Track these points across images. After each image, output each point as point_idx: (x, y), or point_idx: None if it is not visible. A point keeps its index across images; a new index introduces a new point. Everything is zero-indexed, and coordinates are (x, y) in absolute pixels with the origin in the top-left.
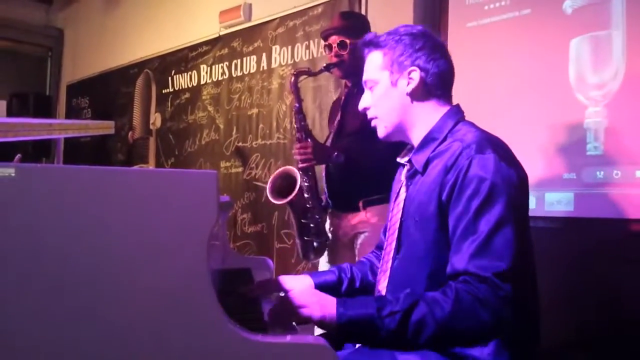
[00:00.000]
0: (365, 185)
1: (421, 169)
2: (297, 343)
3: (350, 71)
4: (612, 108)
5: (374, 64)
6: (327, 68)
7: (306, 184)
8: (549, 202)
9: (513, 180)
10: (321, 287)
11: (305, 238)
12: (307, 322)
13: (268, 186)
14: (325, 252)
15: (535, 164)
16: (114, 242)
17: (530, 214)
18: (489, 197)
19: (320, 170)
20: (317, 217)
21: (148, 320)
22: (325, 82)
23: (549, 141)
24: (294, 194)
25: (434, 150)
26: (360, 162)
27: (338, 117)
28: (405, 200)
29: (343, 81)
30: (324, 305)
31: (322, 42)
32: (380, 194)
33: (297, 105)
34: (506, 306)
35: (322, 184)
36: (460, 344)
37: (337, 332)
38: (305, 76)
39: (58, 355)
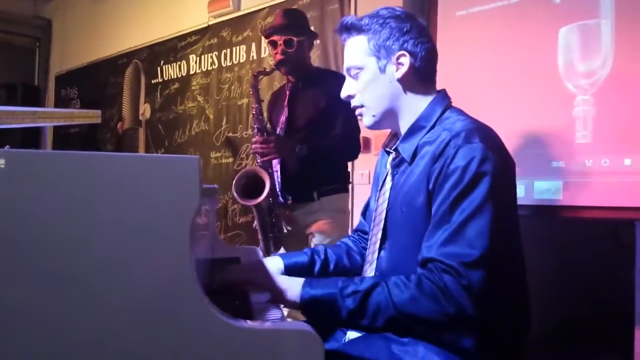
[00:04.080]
0: (320, 176)
1: (409, 159)
2: (282, 329)
3: (295, 67)
4: (601, 96)
5: (358, 49)
6: (278, 66)
7: (269, 184)
8: (538, 190)
9: (499, 170)
10: (292, 268)
11: (270, 234)
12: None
13: (234, 187)
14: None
15: (524, 152)
16: (97, 228)
17: (519, 202)
18: (470, 187)
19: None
20: (277, 212)
21: (131, 305)
22: None
23: (537, 129)
24: (264, 195)
25: (421, 139)
26: (314, 155)
27: (286, 113)
28: (391, 189)
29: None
30: (291, 284)
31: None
32: (335, 184)
33: (256, 106)
34: (468, 296)
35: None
36: (425, 330)
37: (300, 309)
38: (262, 76)
39: (45, 341)
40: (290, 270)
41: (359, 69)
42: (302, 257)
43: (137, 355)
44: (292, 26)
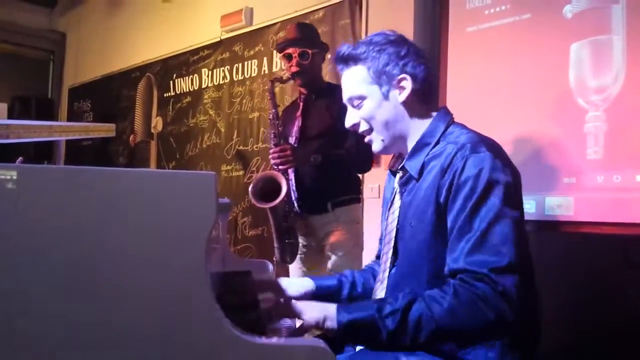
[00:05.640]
0: (334, 187)
1: (416, 175)
2: (295, 345)
3: (310, 79)
4: (612, 112)
5: (358, 79)
6: (293, 77)
7: (285, 188)
8: (549, 206)
9: (509, 178)
10: (322, 289)
11: (286, 241)
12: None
13: (250, 189)
14: (298, 256)
15: (536, 168)
16: (113, 243)
17: (530, 218)
18: (485, 194)
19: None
20: (292, 218)
21: (146, 319)
22: None
23: (549, 145)
24: (280, 198)
25: (428, 155)
26: (327, 165)
27: (299, 124)
28: (400, 207)
29: (299, 89)
30: (326, 310)
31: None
32: (348, 195)
33: (273, 110)
34: (505, 302)
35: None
36: (464, 341)
37: (339, 334)
38: (278, 83)
39: (60, 352)
40: (320, 290)
41: (361, 98)
42: (331, 281)
43: None
44: (306, 39)
